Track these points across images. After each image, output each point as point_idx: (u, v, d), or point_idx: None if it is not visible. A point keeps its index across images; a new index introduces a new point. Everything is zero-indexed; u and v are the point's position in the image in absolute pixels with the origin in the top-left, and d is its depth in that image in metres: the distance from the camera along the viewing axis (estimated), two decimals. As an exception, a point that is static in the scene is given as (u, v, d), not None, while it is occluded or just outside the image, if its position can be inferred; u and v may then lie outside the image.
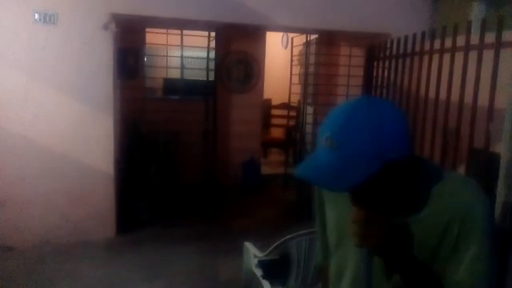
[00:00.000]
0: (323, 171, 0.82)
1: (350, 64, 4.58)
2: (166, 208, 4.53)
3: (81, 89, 3.78)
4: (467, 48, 2.22)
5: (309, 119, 5.13)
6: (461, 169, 2.36)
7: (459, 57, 2.28)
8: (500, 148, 1.94)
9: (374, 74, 3.36)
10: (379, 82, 3.25)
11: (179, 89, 4.85)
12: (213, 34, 4.63)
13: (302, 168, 0.86)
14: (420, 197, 0.92)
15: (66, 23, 3.65)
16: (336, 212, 1.08)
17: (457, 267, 0.89)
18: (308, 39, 4.81)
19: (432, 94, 2.49)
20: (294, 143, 5.70)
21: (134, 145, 4.42)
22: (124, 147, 4.26)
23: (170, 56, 5.13)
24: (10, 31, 3.56)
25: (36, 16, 3.57)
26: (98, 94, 3.83)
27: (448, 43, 2.39)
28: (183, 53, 4.81)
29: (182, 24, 4.27)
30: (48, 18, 3.60)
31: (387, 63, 3.15)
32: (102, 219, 3.98)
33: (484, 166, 2.07)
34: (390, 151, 0.81)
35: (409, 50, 2.83)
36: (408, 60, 2.83)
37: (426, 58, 2.60)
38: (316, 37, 5.12)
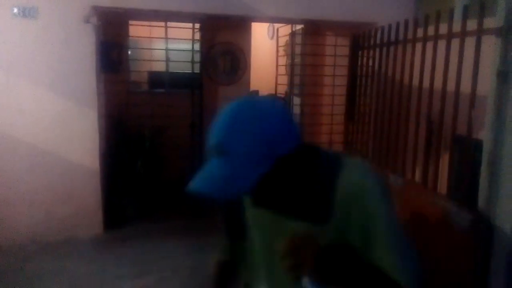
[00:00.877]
0: (215, 181, 0.81)
1: (336, 54, 4.56)
2: (153, 203, 4.50)
3: (64, 84, 3.72)
4: (450, 35, 2.21)
5: (297, 109, 5.11)
6: (445, 157, 2.37)
7: (442, 45, 2.28)
8: (483, 135, 1.96)
9: (359, 63, 3.35)
10: (364, 72, 3.24)
11: (165, 82, 4.79)
12: (198, 26, 4.57)
13: (194, 182, 0.84)
14: (326, 203, 0.90)
15: (46, 16, 3.57)
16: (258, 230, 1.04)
17: (376, 252, 0.89)
18: (294, 29, 4.78)
19: (416, 82, 2.49)
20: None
21: (119, 140, 4.37)
22: (110, 142, 4.21)
23: (155, 49, 5.06)
24: (-12, 26, 3.47)
25: (15, 10, 3.49)
26: (82, 89, 3.76)
27: (431, 31, 2.39)
28: (168, 45, 4.75)
29: (166, 16, 4.20)
30: (27, 12, 3.52)
31: (371, 52, 3.14)
32: (89, 216, 3.94)
33: (468, 153, 2.08)
34: (277, 146, 0.81)
35: (392, 38, 2.82)
36: (392, 49, 2.83)
37: (409, 47, 2.59)
38: (301, 27, 5.09)
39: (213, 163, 0.83)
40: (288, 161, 0.84)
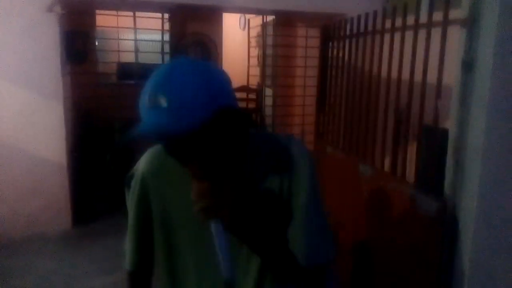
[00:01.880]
0: (156, 129, 0.76)
1: (307, 45, 4.57)
2: (123, 199, 4.41)
3: (27, 76, 3.57)
4: (417, 26, 2.24)
5: (269, 101, 5.11)
6: (413, 146, 2.42)
7: (410, 36, 2.31)
8: (449, 124, 2.00)
9: (329, 54, 3.36)
10: (334, 63, 3.26)
11: (134, 74, 4.68)
12: (167, 16, 4.49)
13: (130, 133, 0.79)
14: (247, 155, 0.90)
15: (6, 6, 3.41)
16: (170, 198, 0.98)
17: (292, 226, 0.90)
18: (265, 20, 4.76)
19: (384, 73, 2.52)
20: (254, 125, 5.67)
21: (88, 133, 4.25)
22: (78, 136, 4.09)
23: (123, 39, 4.93)
24: None
25: (-29, -3, 3.31)
26: (46, 80, 3.63)
27: (399, 22, 2.41)
28: (137, 36, 4.63)
29: (134, 6, 4.09)
30: (-16, 0, 3.35)
31: (341, 43, 3.15)
32: (57, 211, 3.83)
33: (435, 142, 2.13)
34: (220, 96, 0.78)
35: (362, 29, 2.84)
36: (361, 40, 2.85)
37: (378, 38, 2.62)
38: (273, 18, 5.08)
39: (151, 113, 0.76)
40: (231, 114, 0.81)
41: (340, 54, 3.17)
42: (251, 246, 0.88)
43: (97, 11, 4.88)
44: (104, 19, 4.85)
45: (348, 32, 3.04)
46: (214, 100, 0.76)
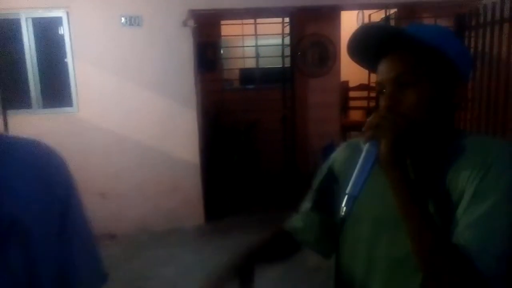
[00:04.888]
0: None
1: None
2: (249, 196, 4.63)
3: (166, 85, 3.98)
4: None
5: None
6: None
7: None
8: None
9: (466, 44, 3.09)
10: (473, 53, 2.98)
11: (255, 78, 4.90)
12: (287, 20, 4.59)
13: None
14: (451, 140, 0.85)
15: (149, 23, 3.85)
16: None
17: (468, 218, 0.77)
18: (387, 14, 4.57)
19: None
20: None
21: (216, 135, 4.57)
22: (208, 138, 4.43)
23: (246, 46, 5.18)
24: (101, 36, 3.84)
25: (123, 20, 3.81)
26: (182, 89, 4.00)
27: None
28: (258, 42, 4.84)
29: (256, 13, 4.29)
30: (133, 21, 3.83)
31: (480, 31, 2.87)
32: (192, 207, 4.18)
33: None
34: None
35: (506, 15, 2.55)
36: (506, 26, 2.56)
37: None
38: (395, 11, 4.85)
39: None
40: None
41: (480, 44, 2.89)
42: (394, 188, 0.81)
43: (222, 22, 5.22)
44: (228, 28, 5.16)
45: (489, 19, 2.75)
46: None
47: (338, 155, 1.05)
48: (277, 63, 4.79)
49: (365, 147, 0.82)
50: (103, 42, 3.86)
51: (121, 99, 3.95)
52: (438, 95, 0.84)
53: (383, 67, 0.87)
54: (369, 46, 0.88)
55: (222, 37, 5.26)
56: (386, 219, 0.88)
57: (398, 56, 0.85)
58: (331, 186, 1.03)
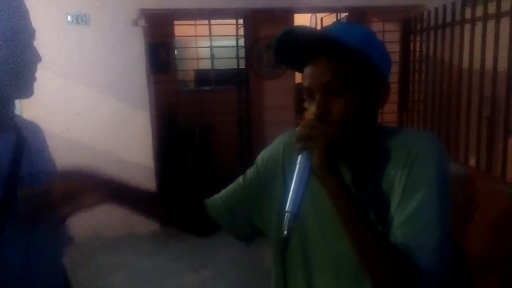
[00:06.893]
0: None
1: (384, 40, 4.41)
2: (205, 200, 4.57)
3: (117, 86, 3.85)
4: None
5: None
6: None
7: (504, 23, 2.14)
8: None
9: (411, 48, 3.21)
10: (417, 57, 3.11)
11: (211, 80, 4.86)
12: (241, 21, 4.59)
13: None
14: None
15: (98, 22, 3.71)
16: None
17: (401, 215, 0.79)
18: (339, 18, 4.68)
19: (477, 64, 2.35)
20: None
21: (171, 138, 4.48)
22: (162, 141, 4.33)
23: (200, 47, 5.13)
24: (46, 34, 3.63)
25: (69, 18, 3.65)
26: (134, 90, 3.89)
27: (480, 11, 2.24)
28: (212, 43, 4.80)
29: (210, 14, 4.25)
30: (80, 19, 3.67)
31: (424, 35, 3.00)
32: (146, 212, 4.06)
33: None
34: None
35: (448, 20, 2.68)
36: (447, 31, 2.69)
37: (467, 27, 2.45)
38: (346, 15, 4.97)
39: None
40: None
41: (424, 47, 3.02)
42: (331, 194, 0.81)
43: (176, 22, 5.14)
44: (181, 29, 5.08)
45: (432, 24, 2.88)
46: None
47: (287, 146, 1.04)
48: (232, 65, 4.77)
49: (298, 160, 0.81)
50: (47, 41, 3.66)
51: (69, 101, 3.78)
52: (368, 99, 0.85)
53: (312, 72, 0.86)
54: (295, 50, 0.88)
55: (176, 38, 5.17)
56: (333, 230, 0.87)
57: (328, 61, 0.84)
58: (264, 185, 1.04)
